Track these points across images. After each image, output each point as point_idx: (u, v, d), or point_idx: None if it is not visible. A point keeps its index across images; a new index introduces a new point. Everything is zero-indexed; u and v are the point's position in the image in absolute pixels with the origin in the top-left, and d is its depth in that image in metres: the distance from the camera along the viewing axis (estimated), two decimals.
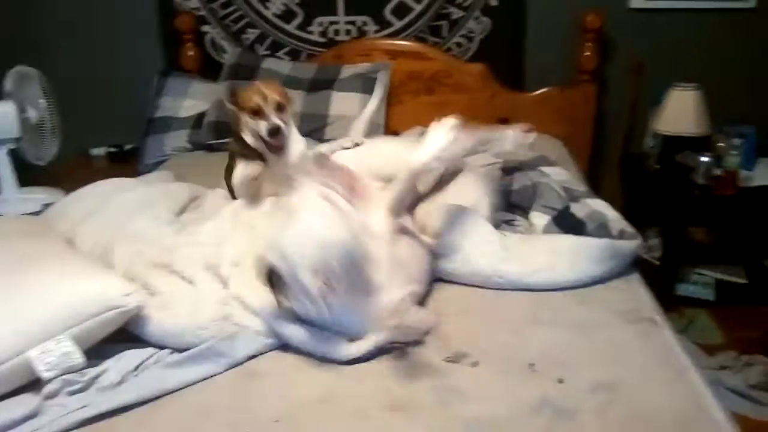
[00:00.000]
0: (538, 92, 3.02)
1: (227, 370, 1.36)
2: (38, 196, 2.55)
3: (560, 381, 1.28)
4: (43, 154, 2.59)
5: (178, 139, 2.91)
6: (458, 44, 3.11)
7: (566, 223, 1.80)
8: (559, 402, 1.22)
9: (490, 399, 1.24)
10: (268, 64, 3.00)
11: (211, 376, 1.34)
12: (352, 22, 3.13)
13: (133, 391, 1.27)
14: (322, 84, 2.90)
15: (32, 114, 2.53)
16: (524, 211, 1.92)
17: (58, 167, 2.70)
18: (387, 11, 3.09)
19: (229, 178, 2.07)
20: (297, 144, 2.07)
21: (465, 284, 1.66)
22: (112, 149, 3.22)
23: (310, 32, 3.15)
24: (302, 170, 1.40)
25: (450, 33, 3.10)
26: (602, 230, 1.75)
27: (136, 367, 1.33)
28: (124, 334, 1.39)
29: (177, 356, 1.36)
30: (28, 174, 2.65)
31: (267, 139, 1.95)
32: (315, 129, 2.75)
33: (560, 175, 2.11)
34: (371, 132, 2.79)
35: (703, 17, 2.97)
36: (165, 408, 1.27)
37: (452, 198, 1.78)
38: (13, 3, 3.16)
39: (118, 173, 2.31)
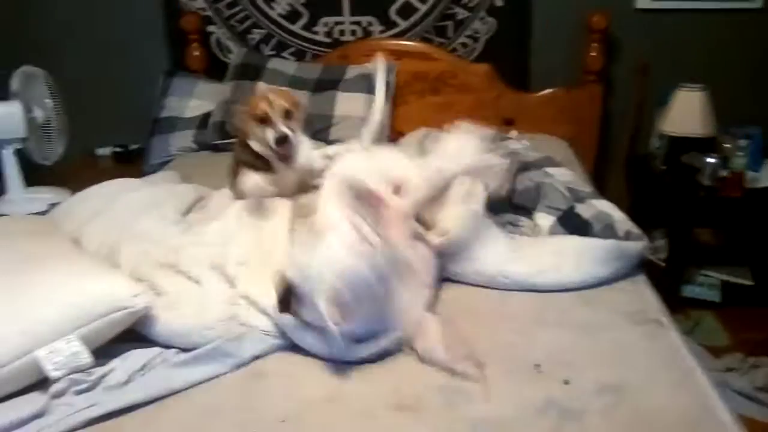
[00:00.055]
0: (543, 93, 3.02)
1: (234, 370, 1.36)
2: (44, 195, 2.56)
3: (566, 382, 1.28)
4: (49, 153, 2.60)
5: (184, 139, 2.91)
6: (463, 45, 3.11)
7: (571, 223, 1.79)
8: (565, 403, 1.22)
9: (496, 400, 1.24)
10: (274, 64, 3.00)
11: (218, 376, 1.34)
12: (358, 23, 3.13)
13: (140, 391, 1.27)
14: (327, 84, 2.90)
15: (38, 114, 2.54)
16: (528, 213, 1.92)
17: (64, 167, 2.71)
18: (392, 11, 3.09)
19: (233, 184, 2.02)
20: (307, 151, 2.01)
21: (470, 284, 1.66)
22: (118, 149, 3.22)
23: (316, 32, 3.15)
24: (336, 196, 1.37)
25: (455, 33, 3.10)
26: (608, 231, 1.74)
27: (143, 367, 1.33)
28: (131, 334, 1.40)
29: (184, 356, 1.36)
30: (34, 174, 2.66)
31: (274, 147, 1.90)
32: (320, 129, 2.75)
33: (566, 176, 2.10)
34: (379, 133, 2.80)
35: (710, 18, 2.96)
36: (171, 407, 1.27)
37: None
38: (19, 3, 3.17)
39: (123, 173, 2.31)
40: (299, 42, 3.17)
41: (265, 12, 3.13)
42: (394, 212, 1.34)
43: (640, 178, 3.02)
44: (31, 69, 2.54)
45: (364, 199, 1.31)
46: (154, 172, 2.61)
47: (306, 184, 1.93)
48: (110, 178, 2.14)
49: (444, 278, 1.66)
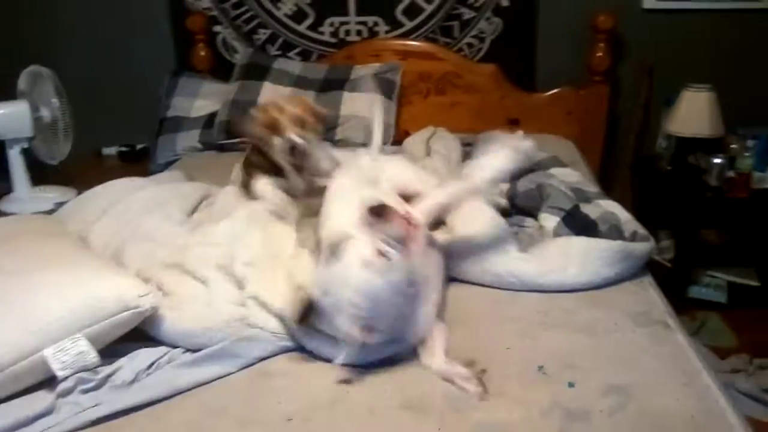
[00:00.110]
0: (549, 93, 3.02)
1: (240, 370, 1.36)
2: (51, 194, 2.57)
3: (571, 384, 1.27)
4: (56, 153, 2.61)
5: (190, 139, 2.92)
6: (469, 45, 3.11)
7: (576, 223, 1.78)
8: (570, 405, 1.21)
9: (500, 401, 1.23)
10: (279, 64, 3.01)
11: (224, 376, 1.34)
12: (363, 23, 3.13)
13: (146, 390, 1.28)
14: (333, 84, 2.91)
15: (45, 113, 2.55)
16: (532, 215, 1.91)
17: (70, 166, 2.72)
18: (398, 11, 3.09)
19: (245, 185, 2.01)
20: (325, 162, 1.91)
21: (475, 284, 1.66)
22: (124, 149, 3.23)
23: (321, 32, 3.15)
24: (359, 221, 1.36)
25: (461, 33, 3.10)
26: (614, 232, 1.74)
27: (150, 366, 1.33)
28: (138, 333, 1.40)
29: (190, 356, 1.36)
30: (40, 173, 2.67)
31: (286, 156, 1.83)
32: (326, 129, 2.75)
33: (572, 176, 2.10)
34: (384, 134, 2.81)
35: (717, 18, 2.96)
36: (177, 407, 1.27)
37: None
38: (26, 3, 3.18)
39: (129, 173, 2.32)
40: (305, 42, 3.17)
41: (271, 12, 3.14)
42: (409, 224, 1.33)
43: (647, 178, 3.01)
44: (38, 69, 2.54)
45: (378, 213, 1.29)
46: (160, 171, 2.62)
47: (316, 189, 1.91)
48: (116, 178, 2.14)
49: (450, 278, 1.65)
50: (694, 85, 2.76)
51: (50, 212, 2.14)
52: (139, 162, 3.11)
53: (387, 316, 1.28)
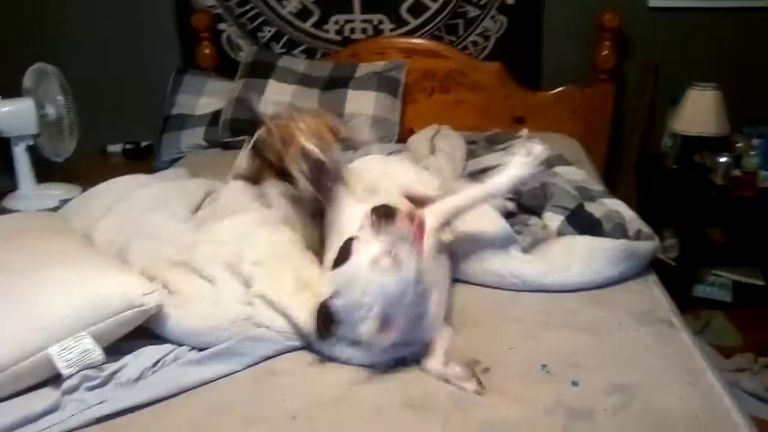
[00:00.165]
0: (554, 91, 3.01)
1: (246, 368, 1.36)
2: (56, 192, 2.57)
3: (575, 383, 1.27)
4: (61, 150, 2.61)
5: (194, 136, 2.92)
6: (474, 43, 3.10)
7: (580, 222, 1.78)
8: (573, 404, 1.21)
9: (504, 400, 1.23)
10: (284, 62, 3.01)
11: (230, 374, 1.35)
12: (368, 21, 3.13)
13: (152, 388, 1.28)
14: (337, 82, 2.90)
15: (50, 111, 2.55)
16: (537, 213, 1.91)
17: (75, 164, 2.72)
18: (403, 9, 3.09)
19: (253, 178, 1.92)
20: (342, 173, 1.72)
21: (478, 284, 1.66)
22: (129, 146, 3.24)
23: (326, 30, 3.15)
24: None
25: (466, 31, 3.09)
26: (619, 230, 1.73)
27: (155, 364, 1.33)
28: (143, 331, 1.40)
29: (196, 354, 1.36)
30: (45, 170, 2.67)
31: (306, 172, 1.65)
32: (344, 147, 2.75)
33: (577, 175, 2.10)
34: (386, 131, 2.81)
35: (723, 16, 2.95)
36: (182, 405, 1.27)
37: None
38: (31, 1, 3.19)
39: (134, 170, 2.31)
40: (310, 40, 3.17)
41: (276, 10, 3.14)
42: (413, 222, 1.33)
43: (652, 177, 3.01)
44: (44, 66, 2.55)
45: (383, 214, 1.29)
46: (164, 169, 2.62)
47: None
48: (121, 175, 2.14)
49: (454, 279, 1.65)
50: (699, 84, 2.75)
51: (55, 209, 2.15)
52: (143, 159, 3.12)
53: (399, 315, 1.27)
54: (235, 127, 2.78)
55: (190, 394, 1.30)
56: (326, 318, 1.29)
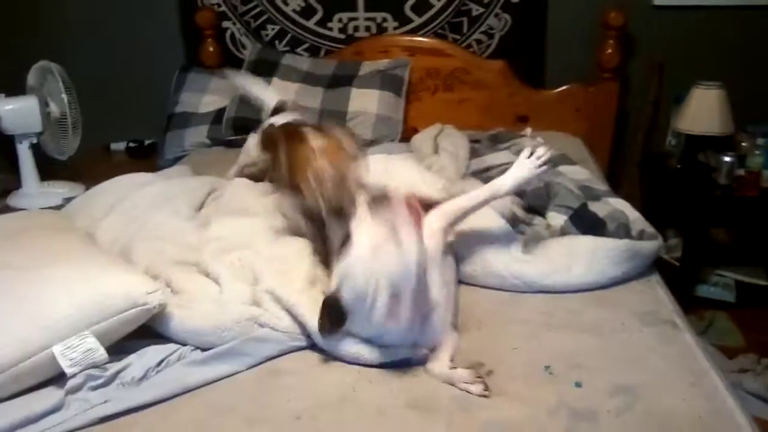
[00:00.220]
0: (558, 90, 3.01)
1: (250, 368, 1.36)
2: (59, 190, 2.58)
3: (578, 384, 1.27)
4: (65, 148, 2.62)
5: (198, 134, 2.92)
6: (478, 41, 3.10)
7: (583, 221, 1.78)
8: (577, 405, 1.21)
9: (507, 401, 1.23)
10: (288, 60, 3.01)
11: (234, 374, 1.35)
12: (372, 19, 3.12)
13: (156, 388, 1.28)
14: (341, 80, 2.90)
15: (54, 109, 2.56)
16: (540, 213, 1.91)
17: (78, 162, 2.73)
18: (407, 7, 3.08)
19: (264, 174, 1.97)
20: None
21: (480, 286, 1.66)
22: (132, 144, 3.24)
23: (330, 28, 3.15)
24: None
25: (470, 30, 3.09)
26: (622, 230, 1.73)
27: (159, 363, 1.33)
28: (147, 330, 1.40)
29: (200, 354, 1.36)
30: (49, 168, 2.68)
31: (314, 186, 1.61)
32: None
33: (581, 174, 2.10)
34: (389, 129, 2.80)
35: (728, 14, 2.94)
36: (186, 405, 1.27)
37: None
38: (35, 0, 3.19)
39: (137, 168, 2.31)
40: (313, 38, 3.17)
41: (280, 8, 3.14)
42: (410, 207, 1.34)
43: (655, 176, 3.00)
44: (48, 64, 2.55)
45: (379, 200, 1.30)
46: (168, 167, 2.62)
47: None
48: (124, 173, 2.14)
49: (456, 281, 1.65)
50: (704, 83, 2.74)
51: (59, 207, 2.15)
52: (147, 158, 3.12)
53: (407, 294, 1.26)
54: (239, 125, 2.78)
55: (194, 394, 1.30)
56: (334, 311, 1.29)
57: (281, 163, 1.85)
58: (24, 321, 1.27)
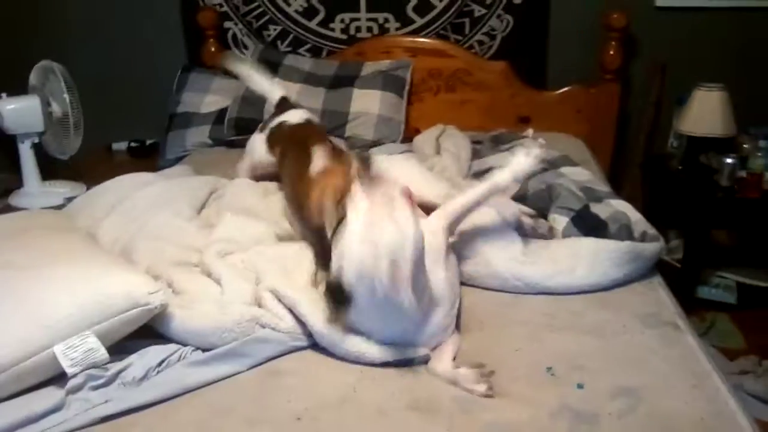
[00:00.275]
0: (560, 91, 3.01)
1: (250, 369, 1.36)
2: (61, 189, 2.58)
3: (580, 386, 1.27)
4: (66, 148, 2.62)
5: (200, 134, 2.92)
6: (480, 42, 3.10)
7: (585, 223, 1.78)
8: (578, 407, 1.21)
9: (509, 403, 1.23)
10: (290, 60, 3.01)
11: (234, 375, 1.34)
12: (374, 19, 3.12)
13: (156, 388, 1.28)
14: (343, 81, 2.90)
15: (56, 108, 2.56)
16: (543, 215, 1.91)
17: (80, 161, 2.73)
18: (409, 8, 3.08)
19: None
20: None
21: (483, 288, 1.65)
22: (134, 144, 3.24)
23: (332, 29, 3.15)
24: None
25: (472, 31, 3.09)
26: (624, 232, 1.73)
27: (160, 363, 1.33)
28: (148, 330, 1.39)
29: (201, 355, 1.35)
30: (50, 167, 2.69)
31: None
32: (336, 126, 2.75)
33: (582, 175, 2.09)
34: (391, 130, 2.80)
35: (730, 16, 2.94)
36: (186, 405, 1.27)
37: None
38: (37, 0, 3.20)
39: (139, 168, 2.31)
40: (315, 38, 3.17)
41: (282, 8, 3.14)
42: (408, 196, 1.34)
43: (657, 177, 3.00)
44: (50, 64, 2.56)
45: (369, 183, 1.31)
46: (169, 167, 2.61)
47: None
48: (126, 173, 2.15)
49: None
50: (706, 84, 2.74)
51: (60, 207, 2.15)
52: (148, 157, 3.12)
53: (407, 262, 1.25)
54: (241, 126, 2.78)
55: (195, 395, 1.29)
56: (337, 292, 1.29)
57: (286, 175, 1.88)
58: (25, 320, 1.27)
